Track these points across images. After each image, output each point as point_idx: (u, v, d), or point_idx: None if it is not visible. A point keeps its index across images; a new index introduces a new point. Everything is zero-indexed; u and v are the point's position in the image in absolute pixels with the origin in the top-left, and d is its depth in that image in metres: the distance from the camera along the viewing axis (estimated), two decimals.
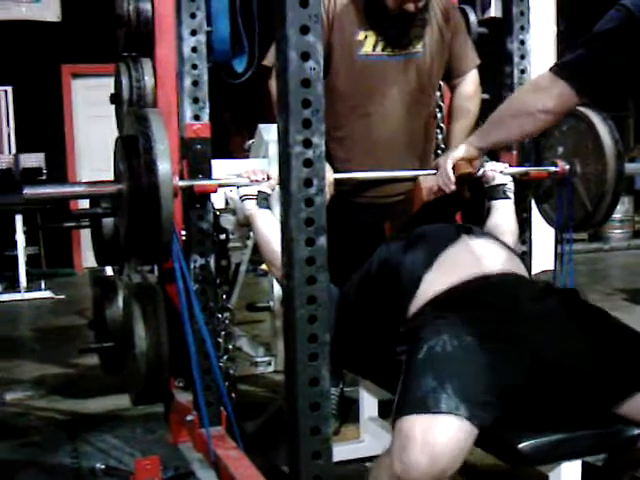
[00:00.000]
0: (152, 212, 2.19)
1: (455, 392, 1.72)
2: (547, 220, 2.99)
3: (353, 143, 2.73)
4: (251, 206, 2.44)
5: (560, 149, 2.82)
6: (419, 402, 1.73)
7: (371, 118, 2.70)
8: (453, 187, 2.34)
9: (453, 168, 2.32)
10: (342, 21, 2.63)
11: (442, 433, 1.68)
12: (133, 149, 2.22)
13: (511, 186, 2.62)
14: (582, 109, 2.66)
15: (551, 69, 1.87)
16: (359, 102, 2.69)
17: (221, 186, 2.54)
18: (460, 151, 2.29)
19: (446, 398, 1.71)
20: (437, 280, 2.01)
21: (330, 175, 2.55)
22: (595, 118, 2.65)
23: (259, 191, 2.44)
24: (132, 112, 2.48)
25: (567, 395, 1.88)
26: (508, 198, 2.60)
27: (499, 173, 2.60)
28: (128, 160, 2.23)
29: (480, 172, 2.63)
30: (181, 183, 2.44)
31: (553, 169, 2.79)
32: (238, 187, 2.48)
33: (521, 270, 2.16)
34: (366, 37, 2.64)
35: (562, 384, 1.88)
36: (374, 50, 2.64)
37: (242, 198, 2.47)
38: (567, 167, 2.76)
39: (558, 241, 2.95)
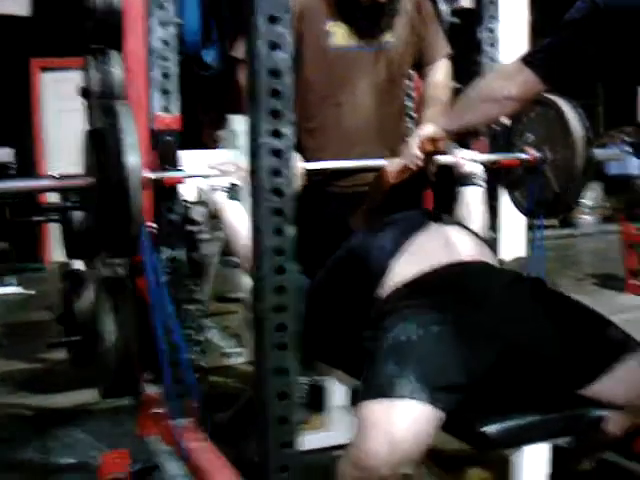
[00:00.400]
0: (121, 205, 2.18)
1: (417, 378, 1.72)
2: (517, 207, 3.01)
3: (324, 133, 2.73)
4: (221, 198, 2.43)
5: (530, 136, 2.84)
6: (380, 388, 1.74)
7: (342, 108, 2.70)
8: (420, 163, 2.34)
9: (419, 146, 2.33)
10: (312, 12, 2.64)
11: (403, 419, 1.69)
12: (101, 142, 2.21)
13: (481, 174, 2.64)
14: (551, 96, 2.69)
15: (519, 57, 1.90)
16: (330, 92, 2.70)
17: (191, 177, 2.54)
18: (427, 130, 2.30)
19: (407, 383, 1.71)
20: (405, 267, 2.03)
21: (300, 165, 2.55)
22: (564, 105, 2.68)
23: (229, 183, 2.43)
24: (100, 105, 2.47)
25: (535, 379, 1.91)
26: (478, 186, 2.62)
27: (470, 161, 2.62)
28: (97, 153, 2.22)
29: (450, 159, 2.64)
30: (150, 175, 2.43)
31: (524, 157, 2.81)
32: (208, 178, 2.48)
33: (490, 258, 2.18)
34: (337, 28, 2.64)
35: (530, 369, 1.90)
36: (344, 40, 2.65)
37: (212, 190, 2.46)
38: (537, 155, 2.78)
39: (529, 228, 2.97)
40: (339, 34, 2.64)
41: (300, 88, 2.58)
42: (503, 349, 1.85)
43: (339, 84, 2.69)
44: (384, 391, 1.73)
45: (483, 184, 2.64)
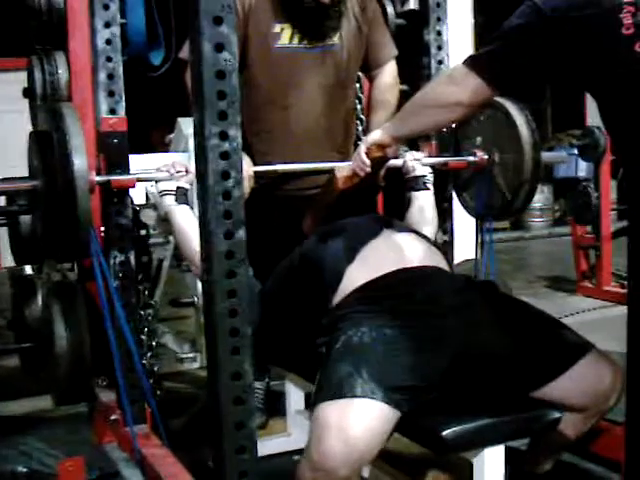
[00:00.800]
0: (68, 208, 2.15)
1: (371, 377, 1.73)
2: (467, 209, 3.03)
3: (272, 136, 2.71)
4: (170, 201, 2.40)
5: (478, 139, 2.86)
6: (334, 388, 1.75)
7: (290, 110, 2.69)
8: (368, 169, 2.34)
9: (367, 152, 2.33)
10: (258, 13, 2.62)
11: (357, 418, 1.70)
12: (47, 144, 2.17)
13: (430, 177, 2.67)
14: (499, 99, 2.69)
15: (465, 62, 1.90)
16: (277, 95, 2.68)
17: (139, 181, 2.51)
18: (374, 136, 2.30)
19: (361, 383, 1.73)
20: (359, 274, 2.03)
21: (249, 168, 2.53)
22: (512, 108, 2.70)
23: (178, 187, 2.41)
24: (45, 107, 2.43)
25: (489, 382, 1.92)
26: (427, 189, 2.64)
27: (418, 164, 2.63)
28: (42, 156, 2.18)
29: (400, 163, 2.65)
30: (98, 178, 2.39)
31: (472, 159, 2.83)
32: (157, 182, 2.45)
33: (441, 263, 2.19)
34: (282, 29, 2.63)
35: (483, 371, 1.91)
36: (290, 42, 2.63)
37: (161, 193, 2.43)
38: (485, 157, 2.81)
39: (479, 230, 3.00)
40: (285, 36, 2.62)
41: (247, 90, 2.56)
42: (455, 353, 1.86)
43: (286, 86, 2.67)
44: (338, 391, 1.74)
45: (432, 187, 2.66)
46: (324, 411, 1.73)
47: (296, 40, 2.63)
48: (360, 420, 1.70)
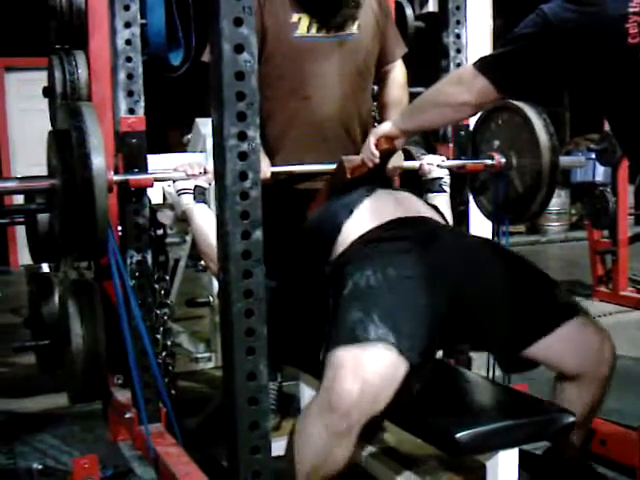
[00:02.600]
0: (86, 207, 2.15)
1: (382, 320, 1.76)
2: (484, 213, 3.02)
3: (292, 124, 2.69)
4: (188, 200, 2.41)
5: (496, 142, 2.86)
6: (347, 334, 1.77)
7: (310, 100, 2.67)
8: (377, 160, 2.36)
9: (376, 144, 2.35)
10: (275, 4, 2.61)
11: (372, 361, 1.73)
12: (66, 143, 2.18)
13: (447, 179, 2.66)
14: (517, 103, 2.71)
15: (474, 64, 1.98)
16: (297, 85, 2.67)
17: (157, 180, 2.51)
18: (384, 128, 2.33)
19: (374, 327, 1.76)
20: (358, 224, 2.09)
21: (267, 169, 2.54)
22: (530, 112, 2.70)
23: (196, 185, 2.41)
24: (64, 105, 2.43)
25: (481, 333, 1.98)
26: (444, 192, 2.63)
27: (436, 166, 2.63)
28: (61, 154, 2.18)
29: (416, 165, 2.65)
30: (116, 177, 2.40)
31: (489, 162, 2.82)
32: (174, 181, 2.46)
33: (438, 218, 2.25)
34: (300, 19, 2.62)
35: (477, 320, 1.97)
36: (308, 32, 2.62)
37: (179, 192, 2.44)
38: (503, 160, 2.80)
39: (495, 233, 2.99)
40: (303, 25, 2.61)
41: (267, 81, 2.57)
42: (453, 295, 1.91)
43: (306, 76, 2.66)
44: (353, 336, 1.76)
45: (448, 190, 2.65)
46: (339, 356, 1.75)
47: (314, 30, 2.62)
48: (375, 364, 1.73)
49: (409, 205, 2.20)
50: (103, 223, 2.19)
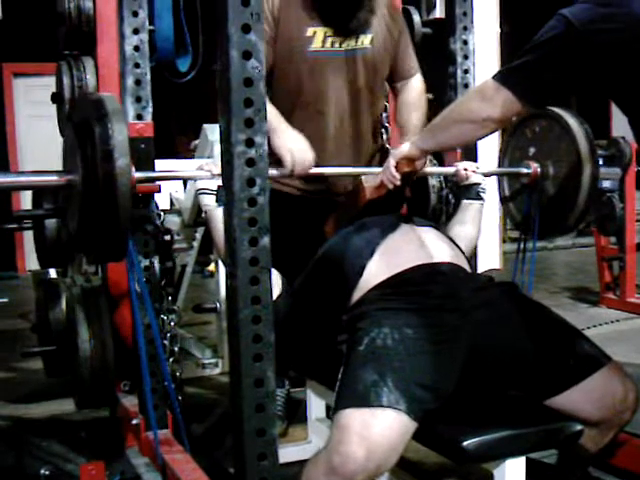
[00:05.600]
0: (108, 206, 1.89)
1: (396, 386, 1.73)
2: (511, 220, 2.93)
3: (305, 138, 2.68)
4: (209, 201, 2.33)
5: (532, 149, 2.75)
6: (359, 396, 1.74)
7: (324, 115, 2.67)
8: (398, 182, 2.33)
9: (396, 166, 2.32)
10: (289, 17, 2.61)
11: (381, 427, 1.70)
12: (88, 137, 2.02)
13: (485, 186, 2.58)
14: (557, 110, 2.62)
15: (495, 77, 1.89)
16: (312, 99, 2.67)
17: (177, 179, 2.49)
18: (403, 150, 2.29)
19: (387, 392, 1.73)
20: (379, 269, 2.03)
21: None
22: (571, 120, 2.60)
23: (219, 186, 2.30)
24: (86, 96, 2.34)
25: (501, 385, 1.93)
26: (481, 199, 2.56)
27: (473, 172, 2.56)
28: (81, 149, 2.01)
29: (452, 170, 2.60)
30: (137, 174, 2.17)
31: (525, 171, 2.71)
32: (196, 180, 2.38)
33: (461, 261, 2.17)
34: (315, 32, 2.62)
35: (496, 374, 1.92)
36: (323, 46, 2.63)
37: (199, 192, 2.36)
38: (539, 169, 2.69)
39: (521, 241, 2.91)
40: (317, 39, 2.61)
41: (278, 95, 2.57)
42: (470, 352, 1.87)
43: (320, 90, 2.66)
44: (365, 399, 1.73)
45: (485, 197, 2.57)
46: (348, 417, 1.73)
47: (328, 44, 2.62)
48: (383, 430, 1.70)
49: (432, 246, 2.12)
50: (125, 224, 2.03)
